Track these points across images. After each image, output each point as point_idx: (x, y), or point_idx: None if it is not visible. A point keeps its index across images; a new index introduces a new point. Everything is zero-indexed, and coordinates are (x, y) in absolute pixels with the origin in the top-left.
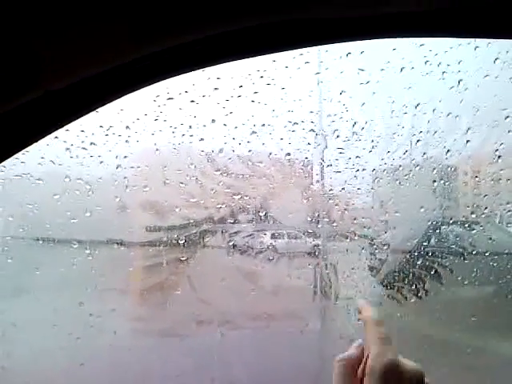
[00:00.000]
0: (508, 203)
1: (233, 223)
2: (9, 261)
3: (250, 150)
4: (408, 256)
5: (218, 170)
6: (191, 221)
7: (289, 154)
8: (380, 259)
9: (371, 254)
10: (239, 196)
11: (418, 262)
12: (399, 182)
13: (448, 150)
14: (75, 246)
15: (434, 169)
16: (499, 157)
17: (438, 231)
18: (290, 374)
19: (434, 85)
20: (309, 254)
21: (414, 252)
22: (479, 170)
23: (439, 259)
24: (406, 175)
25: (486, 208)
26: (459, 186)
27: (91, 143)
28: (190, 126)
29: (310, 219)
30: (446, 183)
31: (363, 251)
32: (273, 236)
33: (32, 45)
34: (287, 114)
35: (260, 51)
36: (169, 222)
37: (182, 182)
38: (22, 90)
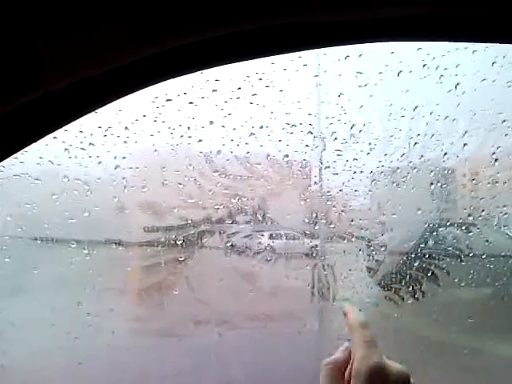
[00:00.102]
0: (505, 206)
1: (231, 224)
2: (7, 260)
3: (248, 152)
4: (405, 258)
5: (217, 171)
6: (189, 221)
7: (287, 156)
8: (377, 261)
9: (368, 255)
10: (237, 197)
11: (415, 264)
12: (397, 185)
13: (445, 153)
14: (73, 246)
15: (432, 171)
16: (496, 160)
17: (435, 233)
18: (288, 374)
19: (431, 88)
20: (306, 255)
21: (411, 254)
22: (476, 173)
23: (436, 261)
24: (403, 177)
25: (483, 210)
26: (456, 188)
27: (90, 144)
28: (189, 128)
29: (307, 220)
30: (444, 186)
31: (360, 252)
32: (271, 237)
33: (32, 45)
34: (285, 116)
35: (260, 54)
36: (167, 223)
37: (181, 183)
38: (21, 90)
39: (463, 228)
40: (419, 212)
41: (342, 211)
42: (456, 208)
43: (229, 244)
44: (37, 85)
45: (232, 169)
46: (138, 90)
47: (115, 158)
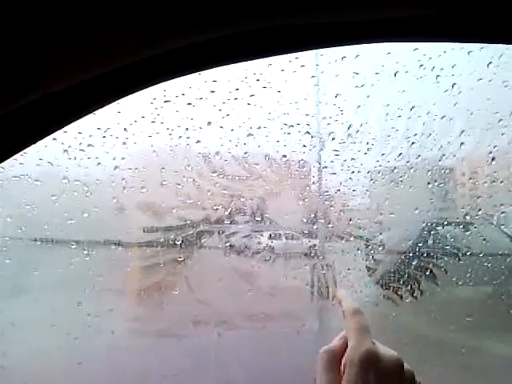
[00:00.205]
0: (502, 204)
1: (229, 224)
2: (7, 261)
3: (246, 152)
4: (403, 257)
5: (215, 172)
6: (188, 222)
7: (285, 156)
8: (376, 260)
9: (367, 254)
10: (236, 197)
11: (414, 263)
12: (394, 184)
13: (442, 153)
14: (73, 247)
15: (429, 171)
16: (493, 159)
17: (433, 232)
18: (287, 373)
19: (428, 88)
20: (305, 254)
21: (410, 253)
22: (473, 172)
23: (434, 260)
24: (400, 177)
25: (480, 209)
26: (454, 187)
27: (89, 145)
28: (187, 128)
29: (305, 220)
30: (441, 185)
31: (359, 252)
32: (270, 237)
33: (32, 46)
34: (283, 116)
35: (259, 54)
36: (166, 223)
37: (179, 184)
38: (21, 92)
39: (461, 227)
40: (417, 211)
41: (341, 211)
42: (454, 207)
43: (228, 244)
44: (36, 86)
45: (230, 169)
46: (137, 91)
47: (114, 159)
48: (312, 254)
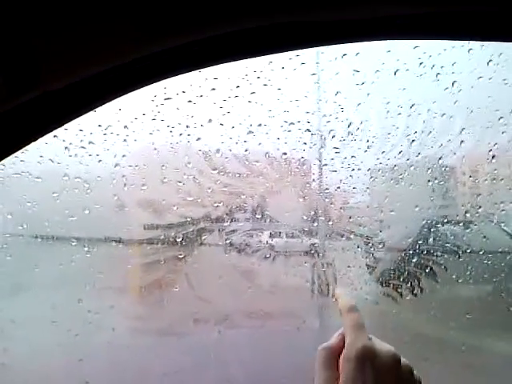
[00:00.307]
0: (502, 202)
1: (230, 221)
2: (8, 258)
3: (246, 150)
4: (403, 254)
5: (215, 169)
6: (189, 219)
7: (285, 154)
8: (376, 257)
9: (367, 252)
10: (236, 195)
11: (414, 260)
12: (394, 182)
13: (442, 151)
14: (74, 244)
15: (429, 168)
16: (493, 156)
17: (432, 230)
18: (288, 371)
19: (428, 86)
20: (305, 252)
21: (410, 250)
22: (474, 170)
23: (434, 257)
24: (400, 175)
25: (480, 207)
26: (454, 185)
27: (90, 142)
28: (188, 126)
29: (306, 218)
30: (441, 183)
31: (359, 249)
32: (270, 235)
33: (32, 44)
34: (283, 114)
35: (260, 52)
36: (166, 220)
37: (180, 181)
38: (21, 89)
39: (461, 224)
40: (417, 209)
41: (341, 208)
42: (454, 205)
43: (228, 241)
44: (37, 84)
45: (231, 167)
46: (138, 88)
47: (115, 156)
48: (312, 252)
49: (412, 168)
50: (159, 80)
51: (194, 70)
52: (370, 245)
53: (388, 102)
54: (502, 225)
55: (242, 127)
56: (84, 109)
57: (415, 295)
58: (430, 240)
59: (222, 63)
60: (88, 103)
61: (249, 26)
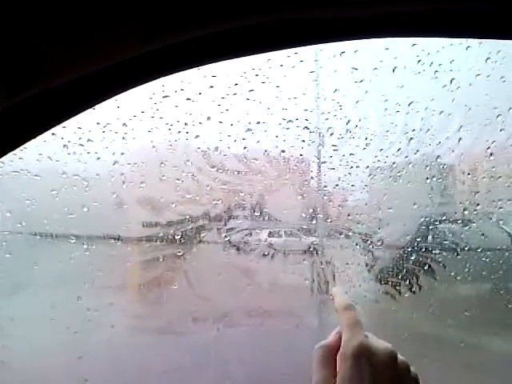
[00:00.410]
0: (500, 200)
1: (229, 219)
2: (7, 256)
3: (245, 147)
4: (402, 252)
5: (214, 167)
6: (187, 216)
7: (284, 151)
8: (374, 255)
9: (365, 250)
10: (235, 192)
11: (412, 258)
12: (393, 179)
13: (441, 148)
14: (73, 242)
15: (427, 166)
16: (491, 154)
17: (431, 227)
18: (287, 369)
19: (426, 84)
20: (304, 250)
21: (408, 248)
22: (472, 168)
23: (433, 255)
24: (399, 172)
25: (478, 205)
26: (452, 183)
27: (88, 140)
28: (186, 123)
29: (304, 216)
30: (439, 180)
31: (357, 247)
32: (269, 233)
33: (32, 42)
34: (282, 111)
35: (259, 49)
36: (165, 218)
37: (179, 179)
38: (21, 86)
39: (459, 222)
40: (415, 206)
41: (339, 206)
42: (452, 202)
43: (227, 239)
44: (36, 81)
45: (229, 164)
46: (138, 85)
47: (114, 154)
48: (311, 250)
49: (410, 166)
50: (158, 77)
51: (193, 67)
52: (369, 242)
53: (386, 100)
54: (501, 222)
55: (240, 125)
56: (83, 106)
57: (414, 293)
58: (429, 238)
59: (221, 60)
60: (87, 100)
61: (249, 23)
